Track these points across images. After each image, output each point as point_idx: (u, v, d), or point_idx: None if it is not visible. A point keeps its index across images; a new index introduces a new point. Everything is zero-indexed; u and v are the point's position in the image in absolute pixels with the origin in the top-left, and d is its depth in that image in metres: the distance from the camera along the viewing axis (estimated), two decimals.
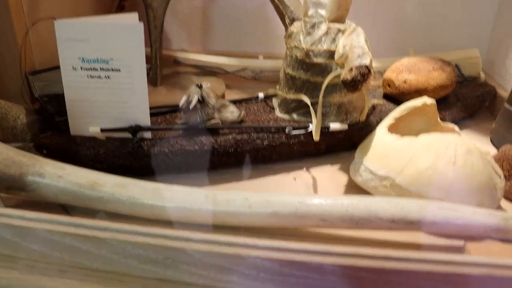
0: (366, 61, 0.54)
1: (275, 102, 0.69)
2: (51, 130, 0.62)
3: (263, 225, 0.50)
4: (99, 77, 0.56)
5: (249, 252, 0.42)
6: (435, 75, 0.69)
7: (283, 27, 0.81)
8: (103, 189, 0.51)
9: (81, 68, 0.56)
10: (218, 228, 0.50)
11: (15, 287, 0.45)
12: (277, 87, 0.70)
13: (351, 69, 0.54)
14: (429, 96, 0.69)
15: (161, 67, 0.80)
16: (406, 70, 0.70)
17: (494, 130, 0.66)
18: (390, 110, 0.69)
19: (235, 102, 0.68)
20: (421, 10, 0.91)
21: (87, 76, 0.56)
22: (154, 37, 0.77)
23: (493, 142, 0.66)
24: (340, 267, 0.41)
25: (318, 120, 0.56)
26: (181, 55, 0.85)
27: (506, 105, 0.63)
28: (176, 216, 0.51)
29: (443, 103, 0.70)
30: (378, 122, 0.65)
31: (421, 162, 0.52)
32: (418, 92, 0.68)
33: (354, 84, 0.53)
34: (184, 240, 0.43)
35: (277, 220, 0.49)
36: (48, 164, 0.52)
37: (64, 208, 0.53)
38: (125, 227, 0.45)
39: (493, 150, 0.65)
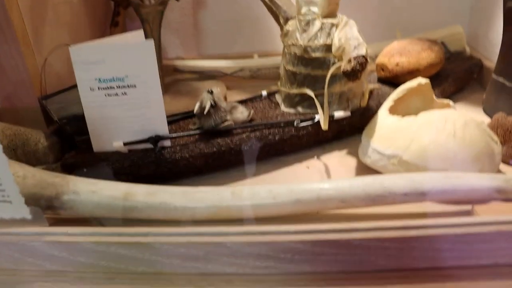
0: (362, 51, 0.59)
1: (278, 98, 0.74)
2: (71, 150, 0.65)
3: (288, 213, 0.54)
4: (116, 94, 0.59)
5: (282, 238, 0.46)
6: (425, 55, 0.73)
7: (273, 25, 0.84)
8: (136, 198, 0.54)
9: (98, 88, 0.59)
10: (247, 221, 0.55)
11: None
12: (278, 83, 0.74)
13: (349, 60, 0.58)
14: (421, 75, 0.73)
15: (163, 77, 0.83)
16: (397, 53, 0.74)
17: (485, 100, 0.71)
18: (386, 93, 0.73)
19: (241, 102, 0.72)
20: None
21: (105, 95, 0.59)
22: None
23: (485, 112, 0.71)
24: (366, 241, 0.45)
25: (325, 110, 0.61)
26: (180, 63, 0.88)
27: (494, 76, 0.68)
28: (207, 214, 0.54)
29: (434, 81, 0.74)
30: (377, 106, 0.70)
31: (424, 138, 0.56)
32: (410, 73, 0.73)
33: (354, 73, 0.58)
34: (222, 235, 0.47)
35: (300, 207, 0.53)
36: (79, 181, 0.56)
37: (100, 223, 0.57)
38: (166, 230, 0.49)
39: (486, 119, 0.69)
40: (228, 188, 0.56)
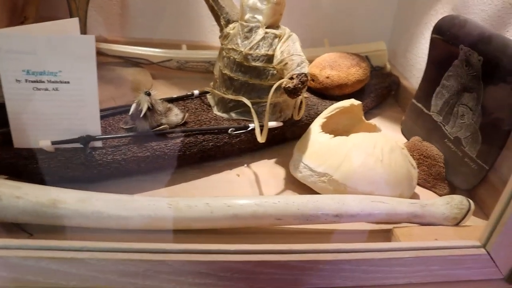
0: (305, 69, 0.60)
1: (210, 100, 0.73)
2: None
3: (225, 227, 0.55)
4: (46, 89, 0.54)
5: (223, 258, 0.47)
6: (353, 71, 0.77)
7: (206, 16, 0.83)
8: (65, 206, 0.51)
9: (26, 81, 0.53)
10: (183, 232, 0.54)
11: None
12: (211, 84, 0.73)
13: (291, 77, 0.59)
14: (348, 89, 0.78)
15: None
16: (328, 66, 0.77)
17: (403, 122, 0.77)
18: (315, 104, 0.76)
19: (171, 100, 0.69)
20: (332, 3, 0.98)
21: (33, 89, 0.54)
22: None
23: (403, 133, 0.77)
24: (303, 262, 0.48)
25: (265, 124, 0.61)
26: (104, 46, 0.82)
27: (414, 101, 0.73)
28: (142, 224, 0.53)
29: (358, 95, 0.79)
30: (306, 116, 0.72)
31: (354, 160, 0.60)
32: (339, 87, 0.76)
33: (295, 91, 0.59)
34: (163, 252, 0.47)
35: (237, 221, 0.54)
36: (2, 184, 0.51)
37: (22, 228, 0.52)
38: (104, 245, 0.46)
39: (403, 139, 0.75)
40: (164, 198, 0.54)
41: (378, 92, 0.85)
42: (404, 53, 0.92)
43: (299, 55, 0.62)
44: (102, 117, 0.64)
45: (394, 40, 0.99)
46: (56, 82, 0.54)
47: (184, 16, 0.95)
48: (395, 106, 0.90)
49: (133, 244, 0.47)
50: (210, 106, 0.72)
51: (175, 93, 0.73)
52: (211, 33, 0.95)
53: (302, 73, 0.59)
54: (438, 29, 0.68)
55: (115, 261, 0.46)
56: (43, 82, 0.54)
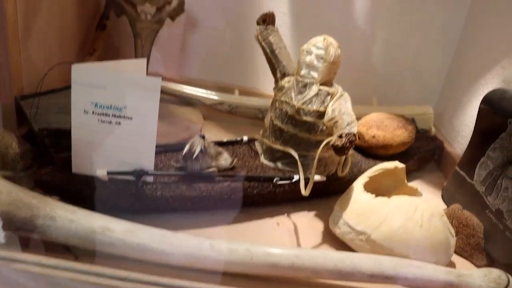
0: (354, 129, 0.62)
1: (258, 147, 0.75)
2: (42, 161, 0.63)
3: (262, 274, 0.56)
4: (110, 122, 0.58)
5: None
6: (399, 133, 0.79)
7: (260, 64, 0.86)
8: (114, 235, 0.54)
9: (93, 112, 0.57)
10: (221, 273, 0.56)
11: None
12: (261, 132, 0.76)
13: (340, 136, 0.61)
14: (392, 150, 0.79)
15: None
16: (375, 126, 0.79)
17: (445, 188, 0.77)
18: (359, 162, 0.78)
19: (221, 144, 0.72)
20: (383, 62, 1.01)
21: (98, 121, 0.58)
22: None
23: (443, 199, 0.77)
24: None
25: (311, 178, 0.63)
26: (161, 84, 0.87)
27: (457, 168, 0.74)
28: (183, 262, 0.55)
29: (401, 157, 0.80)
30: (349, 174, 0.73)
31: (393, 222, 0.60)
32: (383, 147, 0.78)
33: (343, 149, 0.61)
34: None
35: (275, 270, 0.55)
36: (58, 207, 0.54)
37: (69, 250, 0.55)
38: (147, 278, 0.48)
39: (442, 205, 0.75)
40: (207, 239, 0.56)
41: (421, 155, 0.85)
42: (450, 119, 0.93)
43: (350, 114, 0.64)
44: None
45: (441, 103, 1.00)
46: (120, 116, 0.58)
47: (239, 62, 1.00)
48: (436, 170, 0.90)
49: (175, 281, 0.49)
50: (257, 153, 0.74)
51: (224, 135, 0.76)
52: (263, 82, 0.99)
53: (351, 133, 0.61)
54: (487, 101, 0.69)
55: None
56: (108, 115, 0.58)
